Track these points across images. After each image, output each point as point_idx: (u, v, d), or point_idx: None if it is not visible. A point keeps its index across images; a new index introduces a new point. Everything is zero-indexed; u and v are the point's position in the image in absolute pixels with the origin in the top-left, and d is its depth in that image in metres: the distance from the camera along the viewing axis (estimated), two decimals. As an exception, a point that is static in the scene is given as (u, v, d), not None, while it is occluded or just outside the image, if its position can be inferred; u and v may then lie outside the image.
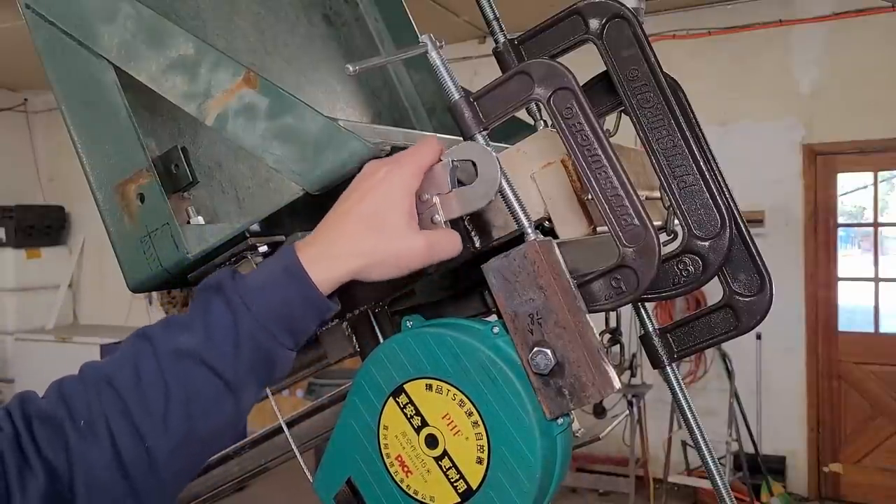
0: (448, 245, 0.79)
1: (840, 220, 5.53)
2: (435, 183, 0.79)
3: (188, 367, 0.72)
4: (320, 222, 0.80)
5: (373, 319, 0.95)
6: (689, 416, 0.85)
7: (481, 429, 0.77)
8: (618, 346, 1.06)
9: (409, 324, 0.86)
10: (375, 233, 0.76)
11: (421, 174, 0.78)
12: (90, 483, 0.68)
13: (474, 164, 0.79)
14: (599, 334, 0.79)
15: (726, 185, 0.86)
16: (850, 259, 5.85)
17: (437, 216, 0.79)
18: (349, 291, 0.82)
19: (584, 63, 0.94)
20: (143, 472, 0.70)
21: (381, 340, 0.88)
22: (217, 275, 0.77)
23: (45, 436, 0.68)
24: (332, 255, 0.77)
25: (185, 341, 0.72)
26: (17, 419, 0.69)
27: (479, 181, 0.78)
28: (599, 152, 0.77)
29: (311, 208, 0.89)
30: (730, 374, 5.18)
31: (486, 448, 0.77)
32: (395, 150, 0.82)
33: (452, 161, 0.79)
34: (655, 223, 0.77)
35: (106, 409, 0.69)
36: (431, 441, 0.80)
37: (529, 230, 0.78)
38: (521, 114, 0.93)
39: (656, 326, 0.88)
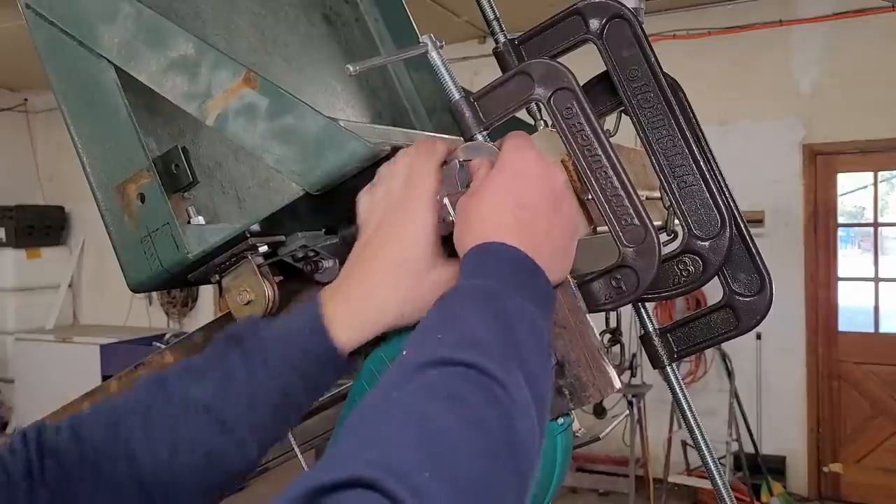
0: None
1: (840, 220, 5.53)
2: (445, 184, 0.77)
3: (197, 418, 0.72)
4: (347, 264, 0.78)
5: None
6: (689, 416, 0.85)
7: (481, 429, 0.77)
8: (618, 346, 1.06)
9: (409, 324, 0.85)
10: (408, 277, 0.74)
11: (435, 200, 0.75)
12: None
13: None
14: (599, 334, 0.79)
15: (726, 185, 0.86)
16: (850, 259, 5.85)
17: (449, 217, 0.76)
18: None
19: (584, 63, 0.94)
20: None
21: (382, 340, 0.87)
22: (240, 325, 0.78)
23: (52, 474, 0.68)
24: (364, 313, 0.75)
25: (196, 393, 0.73)
26: (31, 449, 0.68)
27: None
28: (599, 152, 0.77)
29: (311, 208, 0.89)
30: (730, 374, 5.18)
31: (486, 448, 0.77)
32: (396, 150, 0.82)
33: (459, 161, 0.77)
34: (655, 223, 0.77)
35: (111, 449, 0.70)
36: (431, 441, 0.79)
37: (529, 230, 0.78)
38: (522, 114, 0.93)
39: (656, 326, 0.88)
